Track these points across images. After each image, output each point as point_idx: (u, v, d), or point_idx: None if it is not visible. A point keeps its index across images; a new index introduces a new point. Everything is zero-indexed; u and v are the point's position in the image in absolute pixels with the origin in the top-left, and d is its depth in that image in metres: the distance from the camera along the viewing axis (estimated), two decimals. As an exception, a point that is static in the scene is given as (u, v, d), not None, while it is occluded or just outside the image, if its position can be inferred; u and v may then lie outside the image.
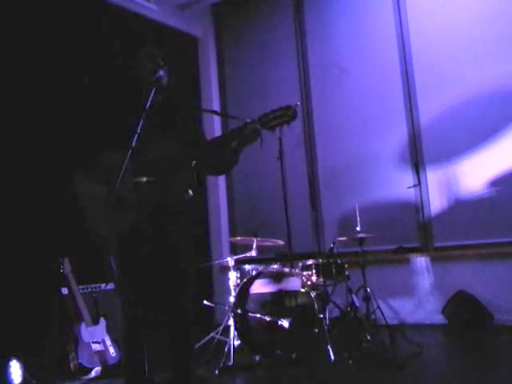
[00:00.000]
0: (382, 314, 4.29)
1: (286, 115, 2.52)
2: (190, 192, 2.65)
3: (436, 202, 5.07)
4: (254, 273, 4.15)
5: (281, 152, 4.12)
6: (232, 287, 4.20)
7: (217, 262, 5.55)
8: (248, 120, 2.56)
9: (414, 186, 5.13)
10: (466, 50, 4.97)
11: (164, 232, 2.58)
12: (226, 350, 3.85)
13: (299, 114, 5.66)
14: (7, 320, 3.83)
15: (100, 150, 2.62)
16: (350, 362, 3.56)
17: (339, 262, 4.19)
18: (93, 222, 2.53)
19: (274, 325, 3.71)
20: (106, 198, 2.42)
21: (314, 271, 4.16)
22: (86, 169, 2.60)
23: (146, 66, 2.65)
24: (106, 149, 2.60)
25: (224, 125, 6.31)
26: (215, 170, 2.90)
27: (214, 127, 6.25)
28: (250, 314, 3.87)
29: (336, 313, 4.36)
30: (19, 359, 3.66)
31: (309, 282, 3.99)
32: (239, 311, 3.90)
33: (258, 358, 3.85)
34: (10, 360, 3.64)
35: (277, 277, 4.02)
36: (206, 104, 6.38)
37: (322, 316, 3.78)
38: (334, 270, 4.15)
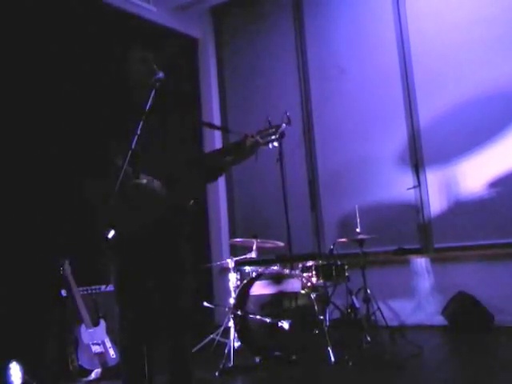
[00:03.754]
0: (382, 316, 4.29)
1: (277, 132, 2.61)
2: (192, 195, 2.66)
3: (436, 203, 5.07)
4: (254, 274, 4.14)
5: (280, 154, 4.13)
6: (232, 289, 4.20)
7: (217, 263, 5.53)
8: (249, 134, 2.61)
9: (414, 187, 5.12)
10: (465, 50, 4.96)
11: (163, 233, 2.57)
12: (226, 351, 3.85)
13: (299, 115, 5.76)
14: (7, 322, 3.82)
15: (102, 151, 2.61)
16: (350, 363, 3.57)
17: (339, 263, 4.19)
18: (101, 223, 2.51)
19: (274, 326, 3.71)
20: (113, 199, 2.40)
21: (314, 273, 4.16)
22: (93, 172, 2.59)
23: (137, 68, 2.63)
24: (108, 150, 2.58)
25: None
26: (206, 179, 2.92)
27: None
28: (250, 315, 3.86)
29: (336, 314, 4.37)
30: (19, 361, 3.66)
31: (309, 284, 3.99)
32: (239, 313, 3.89)
33: (258, 359, 3.85)
34: (9, 362, 3.64)
35: (277, 278, 4.02)
36: (206, 105, 6.38)
37: (322, 317, 3.78)
38: (334, 272, 4.15)
